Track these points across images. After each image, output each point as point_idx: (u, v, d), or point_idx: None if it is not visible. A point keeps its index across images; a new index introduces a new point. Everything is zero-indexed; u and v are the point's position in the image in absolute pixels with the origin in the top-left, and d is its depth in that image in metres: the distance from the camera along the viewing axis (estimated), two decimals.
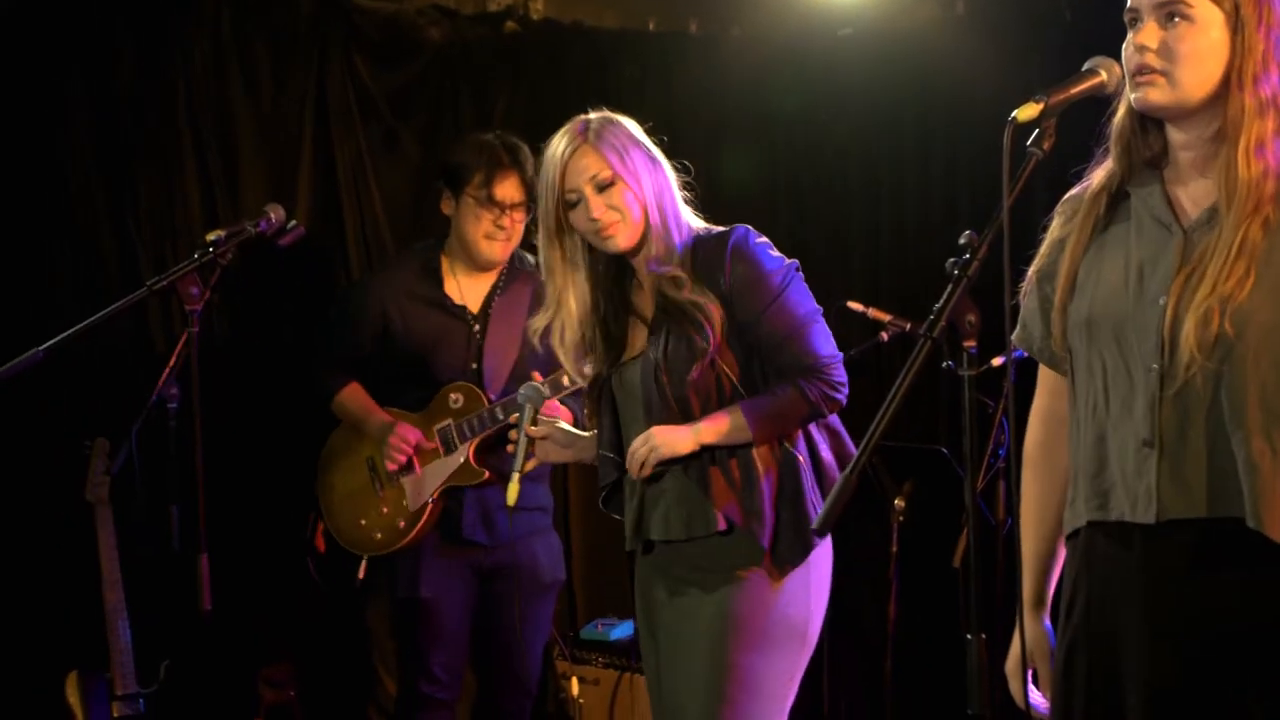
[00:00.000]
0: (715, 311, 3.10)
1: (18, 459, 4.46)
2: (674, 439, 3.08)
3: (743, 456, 3.11)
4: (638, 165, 3.15)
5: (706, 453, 3.11)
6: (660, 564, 3.24)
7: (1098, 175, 2.43)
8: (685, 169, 3.26)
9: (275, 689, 4.61)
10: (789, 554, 3.10)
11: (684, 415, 3.11)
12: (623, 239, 3.14)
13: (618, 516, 3.33)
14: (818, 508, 3.13)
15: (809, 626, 3.16)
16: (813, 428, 3.18)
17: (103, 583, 4.07)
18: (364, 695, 5.00)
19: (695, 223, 3.23)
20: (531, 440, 3.25)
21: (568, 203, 3.15)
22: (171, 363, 3.69)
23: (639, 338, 3.23)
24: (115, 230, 4.69)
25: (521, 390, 3.31)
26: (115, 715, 4.08)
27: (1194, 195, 2.31)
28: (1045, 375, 2.55)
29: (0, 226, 4.50)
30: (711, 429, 3.09)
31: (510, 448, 3.25)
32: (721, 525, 3.09)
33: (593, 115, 3.21)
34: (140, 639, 4.11)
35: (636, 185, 3.13)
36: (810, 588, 3.16)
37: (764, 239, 3.18)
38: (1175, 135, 2.32)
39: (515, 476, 3.17)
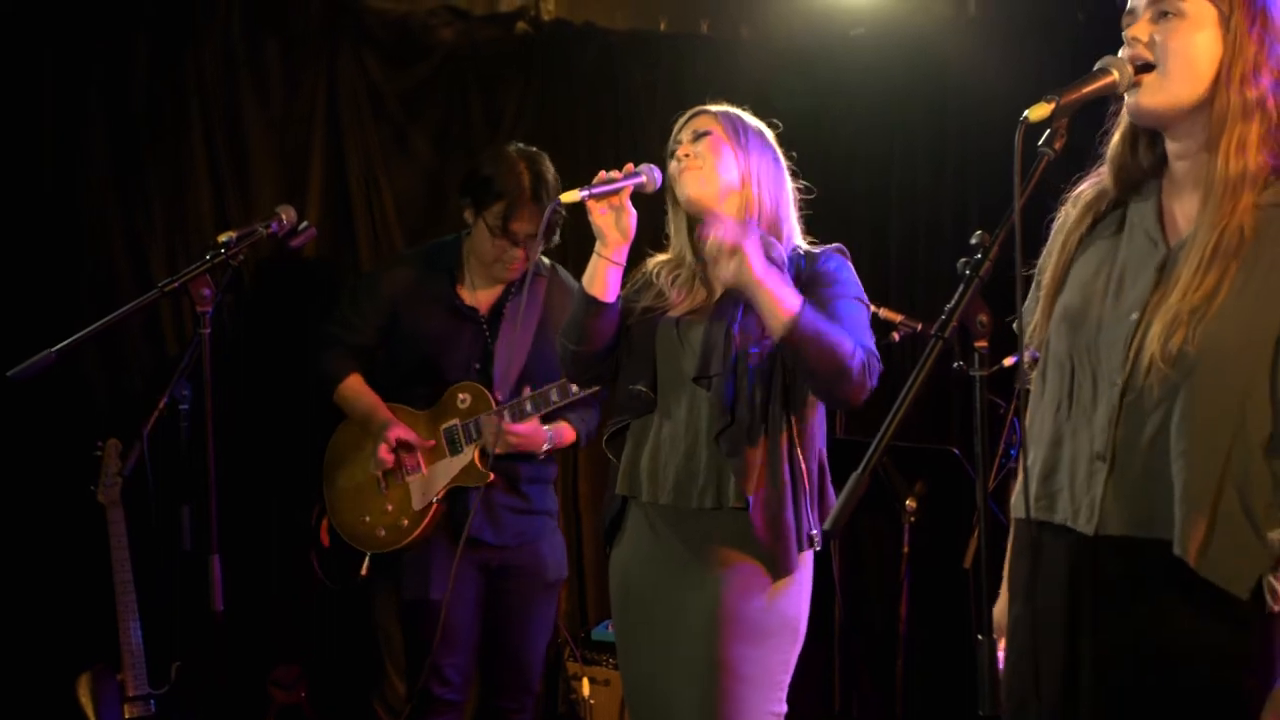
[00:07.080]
0: None
1: (30, 460, 4.46)
2: (750, 247, 2.94)
3: (773, 448, 3.09)
4: (749, 141, 3.23)
5: (741, 430, 3.07)
6: (652, 536, 3.21)
7: (1088, 190, 2.44)
8: (808, 189, 3.32)
9: (285, 690, 4.62)
10: (790, 553, 3.10)
11: (736, 381, 3.08)
12: (694, 185, 3.18)
13: (614, 459, 3.29)
14: (815, 524, 3.16)
15: (800, 622, 3.17)
16: (824, 454, 3.18)
17: (114, 584, 4.07)
18: (373, 696, 5.00)
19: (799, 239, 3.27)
20: (621, 199, 3.17)
21: (669, 152, 3.24)
22: (183, 364, 3.69)
23: (705, 299, 3.22)
24: (127, 231, 4.69)
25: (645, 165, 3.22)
26: (127, 716, 4.09)
27: (1186, 210, 2.30)
28: None
29: (13, 227, 4.50)
30: (774, 278, 2.96)
31: (610, 176, 3.14)
32: (740, 504, 3.07)
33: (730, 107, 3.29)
34: (152, 640, 4.12)
35: (741, 155, 3.20)
36: (802, 583, 3.18)
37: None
38: (1171, 145, 2.32)
39: (582, 191, 3.11)
